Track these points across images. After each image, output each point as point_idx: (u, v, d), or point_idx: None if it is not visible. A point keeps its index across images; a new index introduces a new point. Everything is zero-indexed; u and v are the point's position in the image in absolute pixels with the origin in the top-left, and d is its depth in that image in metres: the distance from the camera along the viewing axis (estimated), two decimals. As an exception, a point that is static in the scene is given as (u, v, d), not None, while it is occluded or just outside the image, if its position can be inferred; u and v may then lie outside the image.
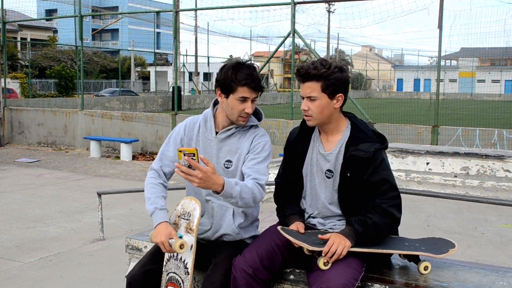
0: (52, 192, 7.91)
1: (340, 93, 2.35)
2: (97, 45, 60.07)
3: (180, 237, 2.27)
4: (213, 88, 50.77)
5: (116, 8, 57.36)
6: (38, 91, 32.90)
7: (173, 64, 14.53)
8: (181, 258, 2.34)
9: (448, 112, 21.88)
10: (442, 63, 37.04)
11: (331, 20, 53.46)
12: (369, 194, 2.32)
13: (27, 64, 33.43)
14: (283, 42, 11.94)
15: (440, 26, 9.63)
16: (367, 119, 10.09)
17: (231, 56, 57.54)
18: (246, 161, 2.43)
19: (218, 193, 2.17)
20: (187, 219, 2.34)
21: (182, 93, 28.34)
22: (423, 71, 60.84)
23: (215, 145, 2.50)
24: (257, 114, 2.56)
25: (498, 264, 4.10)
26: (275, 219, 2.63)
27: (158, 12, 34.88)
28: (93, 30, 54.75)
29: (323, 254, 2.20)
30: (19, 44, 40.63)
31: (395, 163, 7.60)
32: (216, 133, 2.52)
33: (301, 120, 2.52)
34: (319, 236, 2.29)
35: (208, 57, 40.98)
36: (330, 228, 2.42)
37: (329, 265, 2.20)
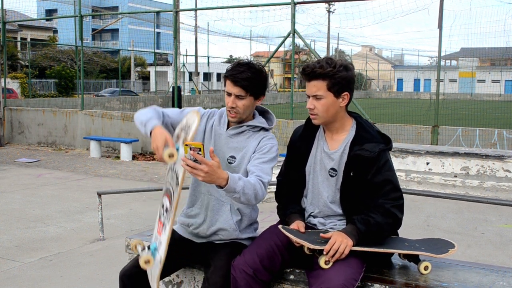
0: (52, 192, 7.92)
1: (346, 92, 2.35)
2: (97, 45, 60.06)
3: (177, 150, 2.19)
4: (213, 88, 50.83)
5: (116, 8, 57.33)
6: (38, 91, 32.88)
7: (173, 64, 14.51)
8: (175, 170, 2.27)
9: (448, 112, 21.89)
10: (442, 63, 37.04)
11: (331, 20, 53.44)
12: (372, 194, 2.31)
13: (27, 64, 33.42)
14: (283, 42, 11.95)
15: (440, 26, 9.64)
16: (367, 119, 10.08)
17: (231, 56, 57.57)
18: (252, 160, 2.43)
19: (221, 187, 2.16)
20: (186, 131, 2.26)
21: (182, 93, 28.22)
22: (423, 71, 60.81)
23: (224, 139, 2.52)
24: (268, 120, 2.57)
25: (498, 264, 4.11)
26: (275, 219, 2.63)
27: (158, 12, 34.81)
28: (93, 30, 54.70)
29: (324, 253, 2.19)
30: (19, 44, 40.63)
31: (395, 163, 7.51)
32: (227, 128, 2.54)
33: (301, 120, 2.52)
34: (321, 234, 2.29)
35: (208, 57, 40.99)
36: (331, 228, 2.41)
37: (331, 264, 2.19)
